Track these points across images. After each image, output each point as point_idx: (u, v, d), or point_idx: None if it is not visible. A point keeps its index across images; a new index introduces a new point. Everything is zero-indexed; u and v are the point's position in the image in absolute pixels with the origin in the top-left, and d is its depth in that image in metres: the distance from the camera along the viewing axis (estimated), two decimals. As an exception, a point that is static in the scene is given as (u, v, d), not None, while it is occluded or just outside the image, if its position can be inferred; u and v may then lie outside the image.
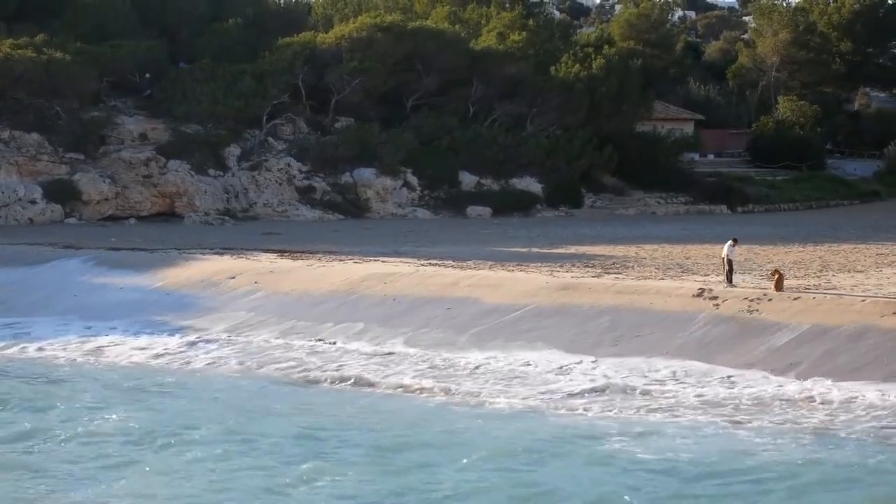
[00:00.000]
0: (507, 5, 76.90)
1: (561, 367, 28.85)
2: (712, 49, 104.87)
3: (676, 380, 27.51)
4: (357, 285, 35.91)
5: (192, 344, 32.41)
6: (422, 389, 27.39)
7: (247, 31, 68.85)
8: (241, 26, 68.93)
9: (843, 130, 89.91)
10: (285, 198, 60.81)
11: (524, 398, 26.32)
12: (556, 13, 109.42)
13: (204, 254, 42.28)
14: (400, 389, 27.56)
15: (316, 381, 28.47)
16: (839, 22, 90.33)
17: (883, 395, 25.57)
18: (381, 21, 66.94)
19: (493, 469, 21.13)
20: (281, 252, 43.01)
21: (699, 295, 31.65)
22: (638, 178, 68.20)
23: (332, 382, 28.31)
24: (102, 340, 33.03)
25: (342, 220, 59.56)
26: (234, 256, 41.64)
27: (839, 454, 21.81)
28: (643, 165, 67.68)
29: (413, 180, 62.94)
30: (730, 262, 32.85)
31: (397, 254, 42.15)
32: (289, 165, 61.62)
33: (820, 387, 26.28)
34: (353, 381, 28.28)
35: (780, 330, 29.19)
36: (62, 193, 56.55)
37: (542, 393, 26.74)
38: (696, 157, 76.70)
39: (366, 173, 62.08)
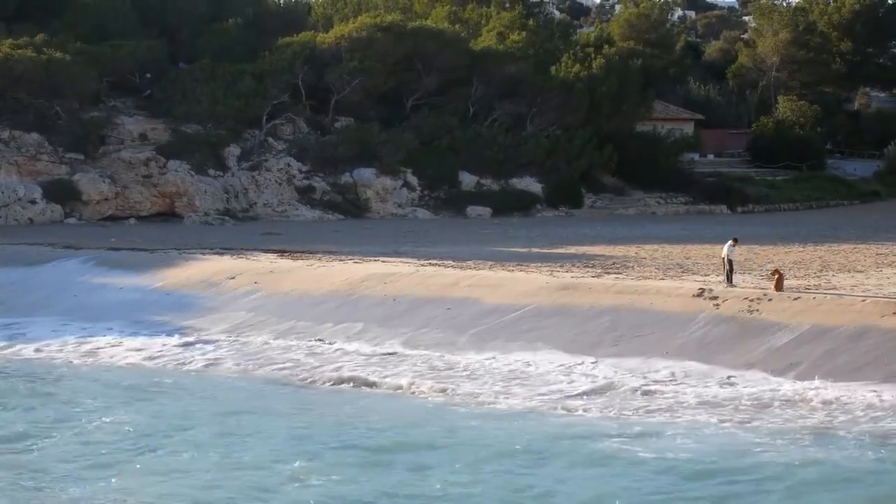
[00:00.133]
0: (507, 5, 76.87)
1: (561, 368, 28.86)
2: (712, 49, 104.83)
3: (676, 380, 27.52)
4: (357, 285, 35.90)
5: (192, 344, 32.42)
6: (421, 390, 27.38)
7: (247, 31, 68.83)
8: (241, 26, 68.91)
9: (843, 130, 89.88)
10: (285, 198, 60.81)
11: (524, 398, 26.32)
12: (556, 13, 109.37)
13: (204, 254, 42.27)
14: (399, 390, 27.56)
15: (315, 382, 28.47)
16: (839, 22, 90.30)
17: (883, 395, 25.55)
18: (381, 21, 66.93)
19: (493, 469, 21.13)
20: (281, 252, 43.00)
21: (699, 295, 31.64)
22: (638, 178, 68.18)
23: (331, 383, 28.31)
24: (102, 341, 33.02)
25: (342, 220, 59.54)
26: (234, 256, 41.63)
27: (839, 454, 21.80)
28: (643, 165, 67.67)
29: (413, 180, 62.94)
30: (730, 262, 32.83)
31: (397, 254, 42.15)
32: (289, 165, 61.61)
33: (820, 387, 26.26)
34: (352, 381, 28.29)
35: (780, 330, 29.18)
36: (62, 193, 56.55)
37: (542, 393, 26.74)
38: (696, 157, 76.67)
39: (366, 173, 62.07)
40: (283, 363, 30.15)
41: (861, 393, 25.78)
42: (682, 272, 36.54)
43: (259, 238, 48.70)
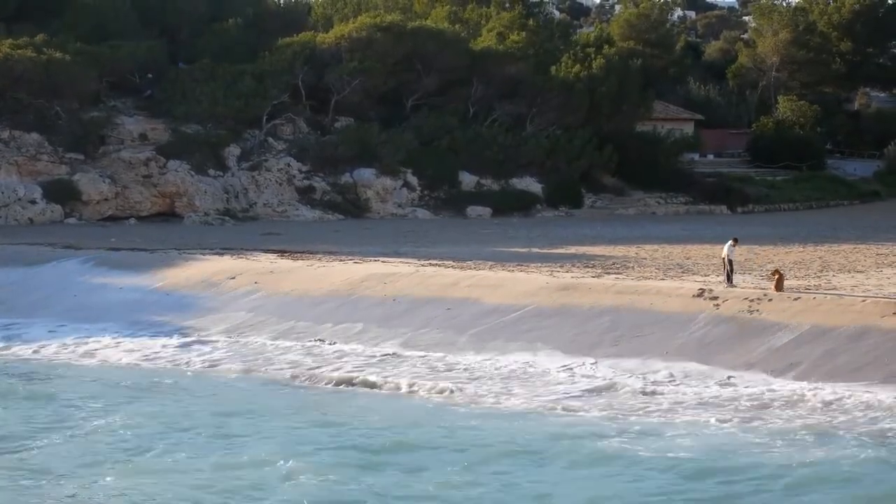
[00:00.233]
0: (507, 5, 76.87)
1: (561, 368, 28.86)
2: (712, 49, 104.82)
3: (676, 380, 27.52)
4: (357, 286, 35.89)
5: (192, 344, 32.42)
6: (421, 390, 27.38)
7: (247, 31, 68.83)
8: (241, 26, 68.92)
9: (843, 130, 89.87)
10: (285, 198, 60.81)
11: (524, 398, 26.31)
12: (556, 13, 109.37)
13: (204, 254, 42.27)
14: (399, 390, 27.55)
15: (315, 382, 28.47)
16: (839, 22, 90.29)
17: (883, 395, 25.55)
18: (381, 21, 66.92)
19: (493, 470, 21.13)
20: (281, 252, 43.00)
21: (699, 295, 31.64)
22: (638, 178, 68.17)
23: (331, 383, 28.30)
24: (101, 341, 33.02)
25: (342, 220, 59.54)
26: (234, 257, 41.63)
27: (838, 454, 21.79)
28: (643, 165, 67.65)
29: (413, 180, 62.93)
30: (730, 263, 32.82)
31: (397, 254, 42.14)
32: (289, 165, 61.61)
33: (820, 387, 26.27)
34: (352, 381, 28.27)
35: (780, 330, 29.18)
36: (62, 193, 56.55)
37: (542, 393, 26.73)
38: (696, 157, 76.66)
39: (366, 173, 62.07)
40: (283, 363, 30.14)
41: (861, 393, 25.78)
42: (683, 272, 36.54)
43: (259, 238, 48.70)
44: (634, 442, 22.68)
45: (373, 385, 27.97)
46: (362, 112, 64.73)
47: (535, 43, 69.47)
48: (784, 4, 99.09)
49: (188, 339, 32.89)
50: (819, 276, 35.09)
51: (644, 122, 72.27)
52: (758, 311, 30.19)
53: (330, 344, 32.08)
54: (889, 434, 23.15)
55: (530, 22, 73.85)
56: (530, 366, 29.16)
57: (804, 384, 26.55)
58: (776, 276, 31.75)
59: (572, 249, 44.36)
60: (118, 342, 32.85)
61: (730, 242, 33.08)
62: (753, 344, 28.85)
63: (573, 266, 38.37)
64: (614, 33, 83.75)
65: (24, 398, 26.57)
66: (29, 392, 27.18)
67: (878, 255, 42.23)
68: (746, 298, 30.88)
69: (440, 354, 30.48)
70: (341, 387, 28.06)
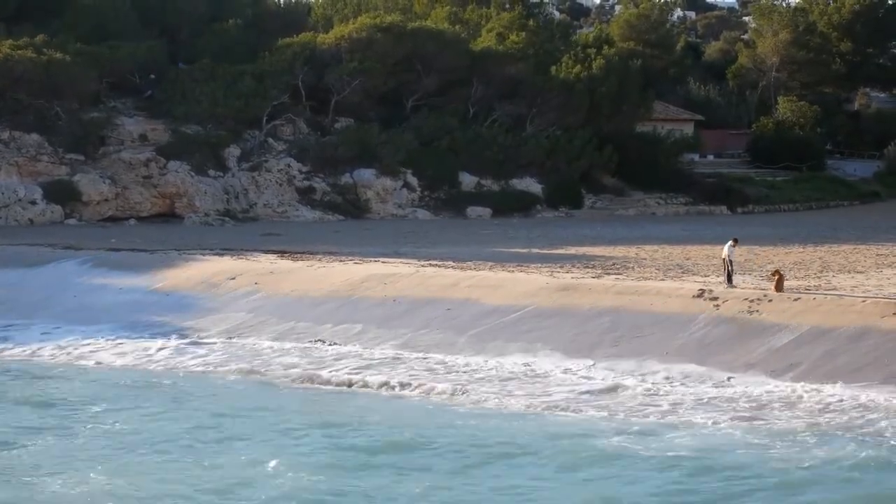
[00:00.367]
0: (507, 6, 76.88)
1: (561, 368, 28.86)
2: (712, 49, 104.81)
3: (676, 380, 27.52)
4: (357, 286, 35.90)
5: (191, 345, 32.43)
6: (421, 391, 27.39)
7: (247, 31, 68.84)
8: (241, 27, 68.92)
9: (843, 131, 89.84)
10: (285, 198, 60.80)
11: (523, 399, 26.31)
12: (556, 14, 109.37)
13: (204, 255, 42.27)
14: (399, 390, 27.56)
15: (315, 383, 28.46)
16: (839, 22, 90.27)
17: (882, 396, 25.56)
18: (381, 21, 66.93)
19: (493, 470, 21.14)
20: (281, 253, 42.99)
21: (699, 296, 31.64)
22: (638, 178, 68.17)
23: (330, 384, 28.30)
24: (101, 341, 33.04)
25: (342, 220, 59.54)
26: (234, 257, 41.63)
27: (838, 455, 21.79)
28: (643, 166, 67.65)
29: (413, 181, 62.93)
30: (730, 263, 32.81)
31: (397, 255, 42.14)
32: (289, 166, 61.61)
33: (819, 388, 26.27)
34: (351, 382, 28.29)
35: (780, 331, 29.18)
36: (62, 194, 56.55)
37: (542, 393, 26.74)
38: (696, 157, 76.61)
39: (366, 174, 62.07)
40: (283, 364, 30.12)
41: (861, 394, 25.78)
42: (682, 273, 36.54)
43: (259, 239, 48.70)
44: (634, 442, 22.69)
45: (372, 385, 27.96)
46: (362, 112, 64.74)
47: (535, 43, 69.46)
48: (784, 5, 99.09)
49: (188, 340, 32.90)
50: (819, 277, 35.10)
51: (644, 123, 72.26)
52: (758, 311, 30.20)
53: (330, 345, 32.09)
54: (888, 435, 23.15)
55: (530, 22, 73.86)
56: (530, 366, 29.17)
57: (804, 385, 26.54)
58: (776, 277, 31.75)
59: (572, 250, 44.36)
60: (118, 343, 32.85)
61: (730, 243, 33.08)
62: (753, 344, 28.85)
63: (573, 266, 38.37)
64: (614, 34, 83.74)
65: (23, 398, 26.56)
66: (28, 392, 27.19)
67: (878, 255, 42.23)
68: (746, 299, 30.89)
69: (440, 355, 30.48)
70: (340, 388, 28.06)
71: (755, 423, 24.08)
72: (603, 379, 27.79)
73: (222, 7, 70.79)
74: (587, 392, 26.78)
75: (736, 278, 33.02)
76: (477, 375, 28.58)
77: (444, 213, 62.23)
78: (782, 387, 26.60)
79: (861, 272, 36.61)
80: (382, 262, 39.61)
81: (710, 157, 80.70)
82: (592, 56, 68.79)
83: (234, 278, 37.91)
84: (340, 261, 40.09)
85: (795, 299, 30.55)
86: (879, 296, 30.66)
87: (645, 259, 41.07)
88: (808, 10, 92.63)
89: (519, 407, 25.78)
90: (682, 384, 27.23)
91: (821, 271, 36.78)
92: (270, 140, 62.78)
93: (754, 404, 25.46)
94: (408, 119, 65.45)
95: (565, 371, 28.65)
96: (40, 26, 62.96)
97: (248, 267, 39.31)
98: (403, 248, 44.44)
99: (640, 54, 79.44)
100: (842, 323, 28.91)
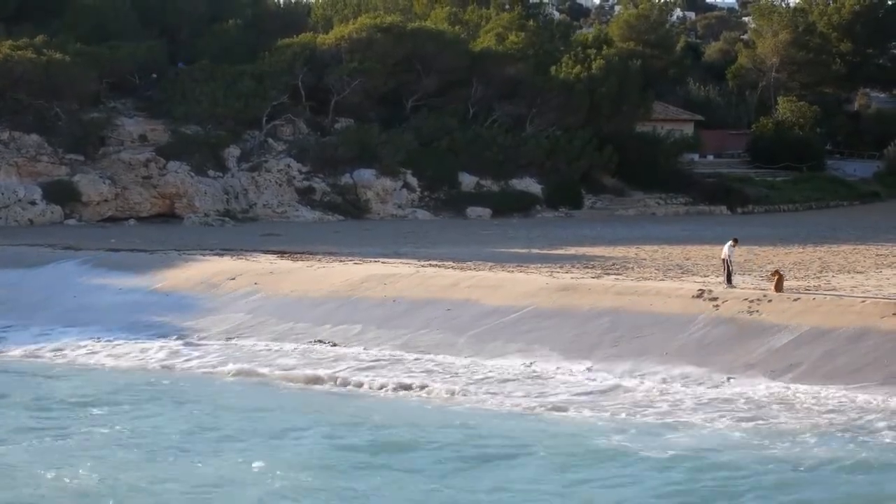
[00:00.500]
0: (507, 6, 76.91)
1: (560, 369, 28.86)
2: (712, 50, 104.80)
3: (676, 381, 27.51)
4: (357, 287, 35.90)
5: (191, 345, 32.43)
6: (420, 390, 27.39)
7: (246, 31, 68.86)
8: (241, 27, 68.94)
9: (842, 131, 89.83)
10: (285, 199, 60.81)
11: (523, 399, 26.32)
12: (556, 14, 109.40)
13: (204, 255, 42.27)
14: (398, 391, 27.55)
15: (314, 383, 28.47)
16: (839, 22, 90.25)
17: (882, 396, 25.56)
18: (381, 22, 66.95)
19: (492, 470, 21.13)
20: (281, 253, 43.00)
21: (699, 296, 31.64)
22: (638, 178, 68.20)
23: (330, 384, 28.30)
24: (101, 342, 33.03)
25: (342, 221, 59.54)
26: (234, 257, 41.63)
27: (838, 455, 21.81)
28: (643, 166, 67.67)
29: (413, 181, 62.94)
30: (730, 263, 32.80)
31: (397, 255, 42.14)
32: (288, 166, 61.61)
33: (819, 388, 26.27)
34: (351, 382, 28.28)
35: (779, 331, 29.18)
36: (62, 194, 56.56)
37: (542, 394, 26.74)
38: (696, 157, 76.64)
39: (366, 174, 62.08)
40: (282, 365, 30.12)
41: (860, 394, 25.78)
42: (682, 273, 36.54)
43: (259, 239, 48.70)
44: (633, 443, 22.69)
45: (372, 386, 27.95)
46: (362, 113, 64.75)
47: (534, 44, 69.48)
48: (784, 5, 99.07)
49: (187, 340, 32.89)
50: (819, 277, 35.10)
51: (644, 123, 72.27)
52: (757, 311, 30.20)
53: (329, 345, 32.08)
54: (888, 435, 23.15)
55: (530, 23, 73.91)
56: (530, 367, 29.16)
57: (804, 385, 26.54)
58: (776, 277, 31.75)
59: (572, 250, 44.36)
60: (117, 343, 32.84)
61: (729, 243, 33.09)
62: (753, 345, 28.85)
63: (573, 267, 38.37)
64: (614, 34, 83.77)
65: (21, 398, 26.54)
66: (27, 393, 27.16)
67: (877, 255, 42.24)
68: (746, 299, 30.89)
69: (440, 356, 30.47)
70: (340, 388, 28.05)
71: (755, 423, 24.08)
72: (602, 379, 27.78)
73: (222, 7, 70.80)
74: (587, 392, 26.78)
75: (735, 278, 33.02)
76: (476, 376, 28.57)
77: (444, 214, 62.24)
78: (782, 387, 26.59)
79: (861, 272, 36.62)
80: (382, 263, 39.61)
81: (710, 158, 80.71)
82: (592, 56, 68.82)
83: (233, 279, 37.91)
84: (340, 261, 40.10)
85: (795, 300, 30.55)
86: (879, 296, 30.66)
87: (645, 259, 41.07)
88: (808, 11, 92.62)
89: (518, 407, 25.77)
90: (681, 384, 27.24)
91: (820, 271, 36.78)
92: (270, 140, 62.79)
93: (754, 405, 25.46)
94: (408, 119, 65.46)
95: (565, 371, 28.64)
96: (40, 26, 62.98)
97: (248, 267, 39.31)
98: (403, 249, 44.44)
99: (640, 55, 79.42)
100: (841, 323, 28.91)
